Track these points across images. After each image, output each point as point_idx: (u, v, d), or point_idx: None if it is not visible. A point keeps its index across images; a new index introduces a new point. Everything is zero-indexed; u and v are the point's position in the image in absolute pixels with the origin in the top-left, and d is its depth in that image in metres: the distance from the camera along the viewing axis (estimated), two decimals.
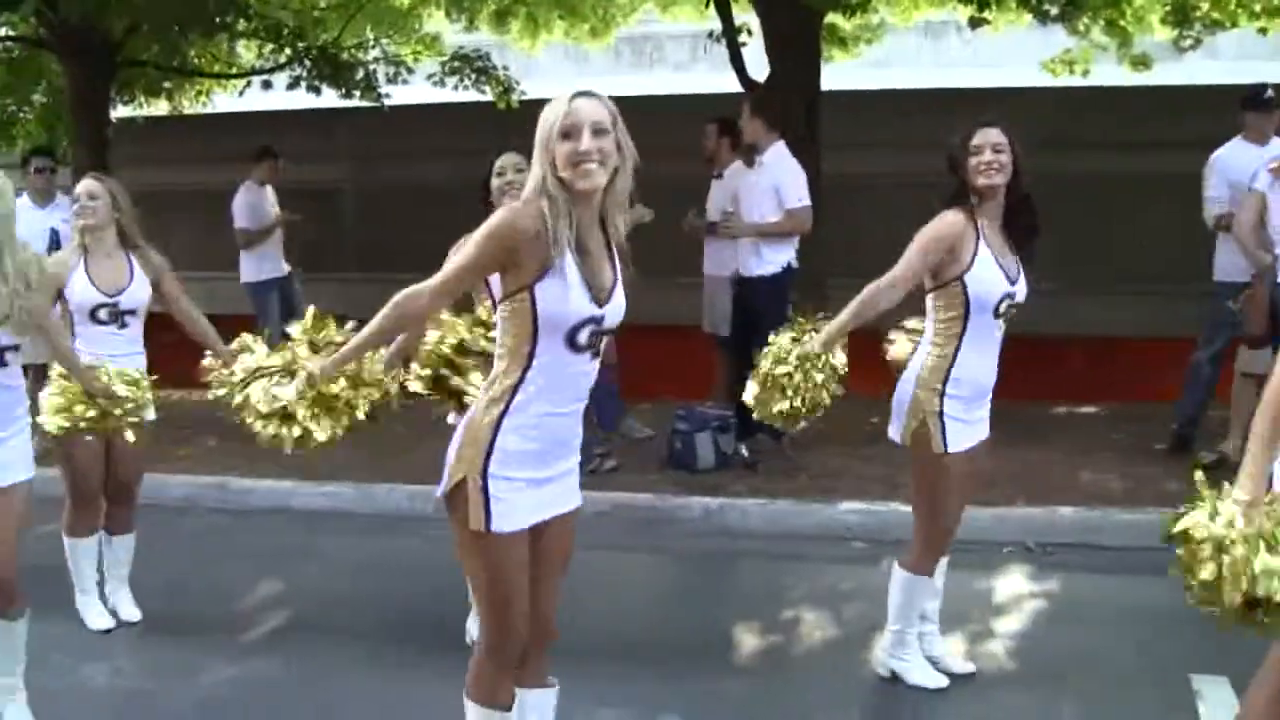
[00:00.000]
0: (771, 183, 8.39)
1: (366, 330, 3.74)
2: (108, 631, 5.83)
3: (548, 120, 3.38)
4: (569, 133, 3.35)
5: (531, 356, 3.42)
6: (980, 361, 4.80)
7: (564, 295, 3.36)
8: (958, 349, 4.77)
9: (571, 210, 3.38)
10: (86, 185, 5.80)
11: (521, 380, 3.45)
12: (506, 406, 3.45)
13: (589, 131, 3.35)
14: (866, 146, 10.82)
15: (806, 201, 8.39)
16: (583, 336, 3.43)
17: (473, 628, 5.30)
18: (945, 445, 4.79)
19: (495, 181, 5.18)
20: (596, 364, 3.53)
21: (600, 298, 3.44)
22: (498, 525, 3.46)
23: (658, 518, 7.53)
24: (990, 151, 4.61)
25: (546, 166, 3.38)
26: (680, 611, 6.26)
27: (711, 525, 7.46)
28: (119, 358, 5.59)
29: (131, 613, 6.02)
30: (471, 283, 3.83)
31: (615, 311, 3.49)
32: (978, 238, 4.70)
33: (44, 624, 5.48)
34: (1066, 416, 9.75)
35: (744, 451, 8.45)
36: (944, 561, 5.13)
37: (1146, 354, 10.06)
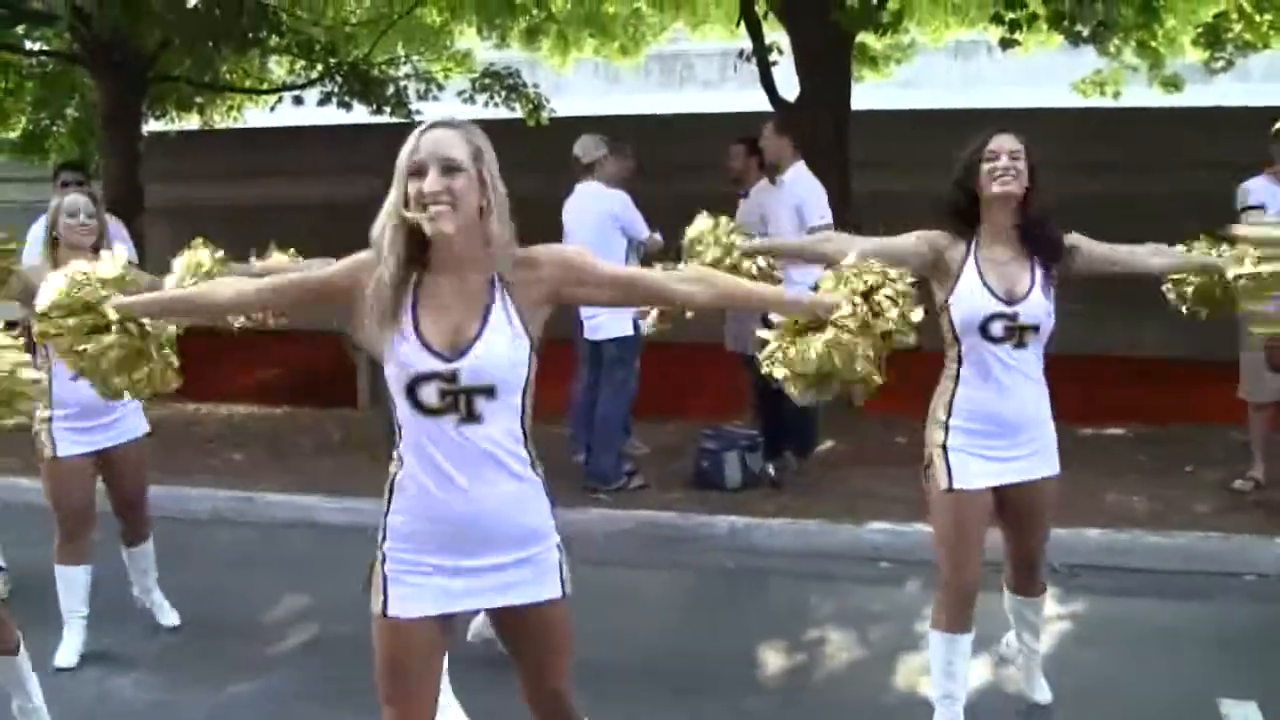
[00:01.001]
0: (793, 201, 8.36)
1: (169, 294, 3.71)
2: (66, 670, 5.53)
3: (400, 154, 3.08)
4: (417, 170, 3.04)
5: (397, 421, 3.17)
6: (986, 390, 4.38)
7: (395, 350, 3.08)
8: (957, 378, 4.42)
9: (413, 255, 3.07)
10: (80, 203, 5.52)
11: (398, 450, 3.20)
12: (392, 481, 3.22)
13: (437, 169, 3.02)
14: (896, 166, 10.81)
15: (829, 219, 8.36)
16: (428, 395, 3.07)
17: (481, 628, 5.33)
18: (950, 481, 4.40)
19: None
20: (483, 430, 3.09)
21: (447, 351, 3.07)
22: (393, 610, 3.19)
23: (684, 536, 7.52)
24: (1006, 158, 4.27)
25: (395, 205, 3.06)
26: (705, 630, 6.23)
27: (738, 544, 7.44)
28: None
29: (169, 618, 6.06)
30: (296, 301, 3.43)
31: (476, 368, 3.06)
32: (966, 256, 4.38)
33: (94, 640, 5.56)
34: (1093, 438, 9.69)
35: (771, 470, 8.43)
36: (1038, 601, 4.85)
37: (1174, 376, 10.01)
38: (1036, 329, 4.34)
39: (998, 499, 4.47)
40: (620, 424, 8.59)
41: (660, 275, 3.48)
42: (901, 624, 6.03)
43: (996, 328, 4.32)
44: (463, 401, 3.07)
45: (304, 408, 11.54)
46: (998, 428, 4.40)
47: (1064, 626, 6.05)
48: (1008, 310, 4.31)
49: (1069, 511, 7.37)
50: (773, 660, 5.73)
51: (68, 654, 5.62)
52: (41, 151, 13.96)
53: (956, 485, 4.41)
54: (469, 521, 3.13)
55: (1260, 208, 7.44)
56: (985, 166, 4.30)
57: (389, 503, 3.22)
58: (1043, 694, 5.03)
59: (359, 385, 12.42)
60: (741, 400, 9.72)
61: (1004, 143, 4.31)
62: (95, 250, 5.15)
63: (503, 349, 3.09)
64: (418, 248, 3.07)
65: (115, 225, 7.37)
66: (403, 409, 3.12)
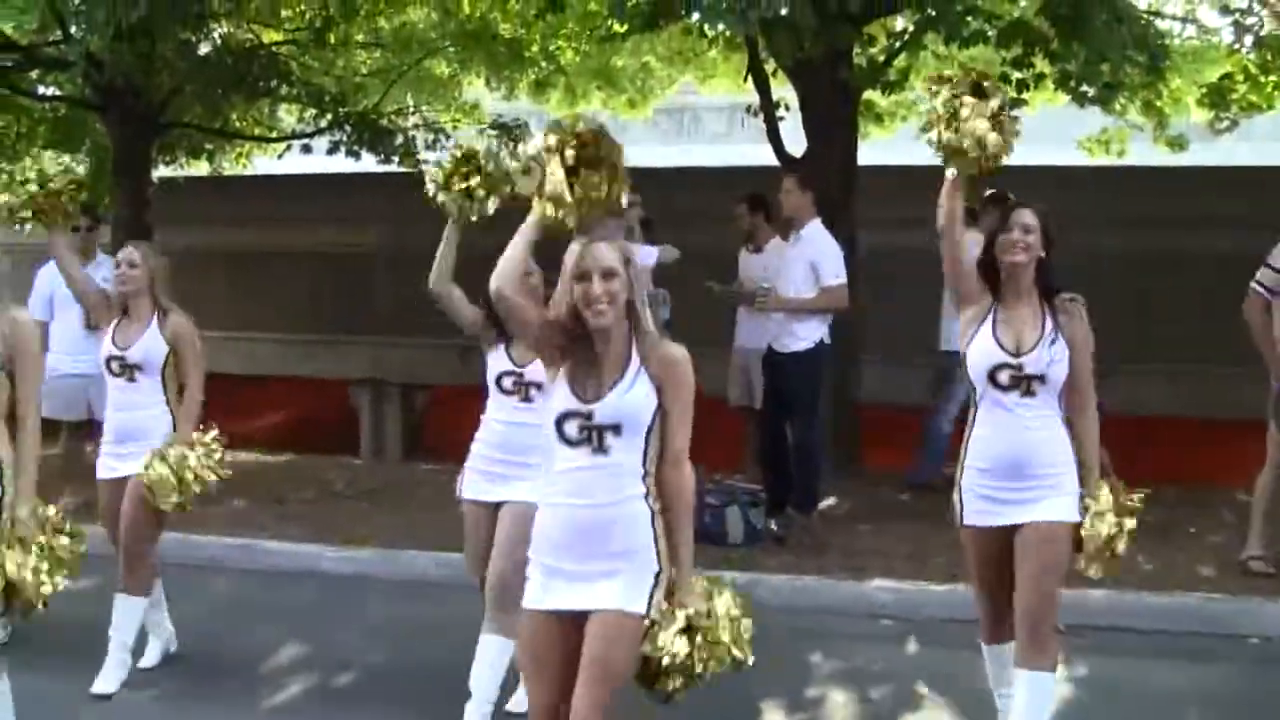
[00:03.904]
0: (808, 258, 8.38)
1: None
2: (104, 697, 5.72)
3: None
4: (582, 275, 3.79)
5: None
6: (996, 434, 4.74)
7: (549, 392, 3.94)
8: (974, 421, 4.83)
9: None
10: (127, 253, 6.01)
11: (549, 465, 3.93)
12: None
13: (599, 276, 3.77)
14: (902, 222, 10.82)
15: (843, 279, 8.37)
16: (570, 429, 3.81)
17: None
18: (961, 518, 4.84)
19: None
20: (607, 461, 3.80)
21: (587, 396, 3.81)
22: (525, 601, 3.90)
23: None
24: (1019, 231, 4.72)
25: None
26: (707, 688, 6.19)
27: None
28: (132, 412, 5.87)
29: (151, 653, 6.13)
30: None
31: (609, 409, 3.79)
32: (988, 311, 4.81)
33: (79, 682, 5.54)
34: None
35: (774, 526, 8.40)
36: (1033, 677, 4.78)
37: (1180, 435, 9.98)
38: (1043, 379, 4.68)
39: (1010, 539, 4.73)
40: None
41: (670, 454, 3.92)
42: (903, 682, 5.99)
43: (1004, 376, 4.71)
44: (596, 436, 3.84)
45: (306, 455, 11.53)
46: (1005, 470, 4.72)
47: (1068, 687, 6.00)
48: (1013, 361, 4.69)
49: (1073, 572, 7.36)
50: (774, 717, 5.70)
51: (106, 683, 5.80)
52: None
53: (966, 521, 4.83)
54: (594, 530, 3.86)
55: None
56: (1000, 237, 4.76)
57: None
58: None
59: (361, 434, 12.43)
60: (744, 454, 9.72)
61: (1019, 217, 4.75)
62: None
63: (624, 395, 3.82)
64: None
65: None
66: (549, 436, 3.93)
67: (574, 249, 3.80)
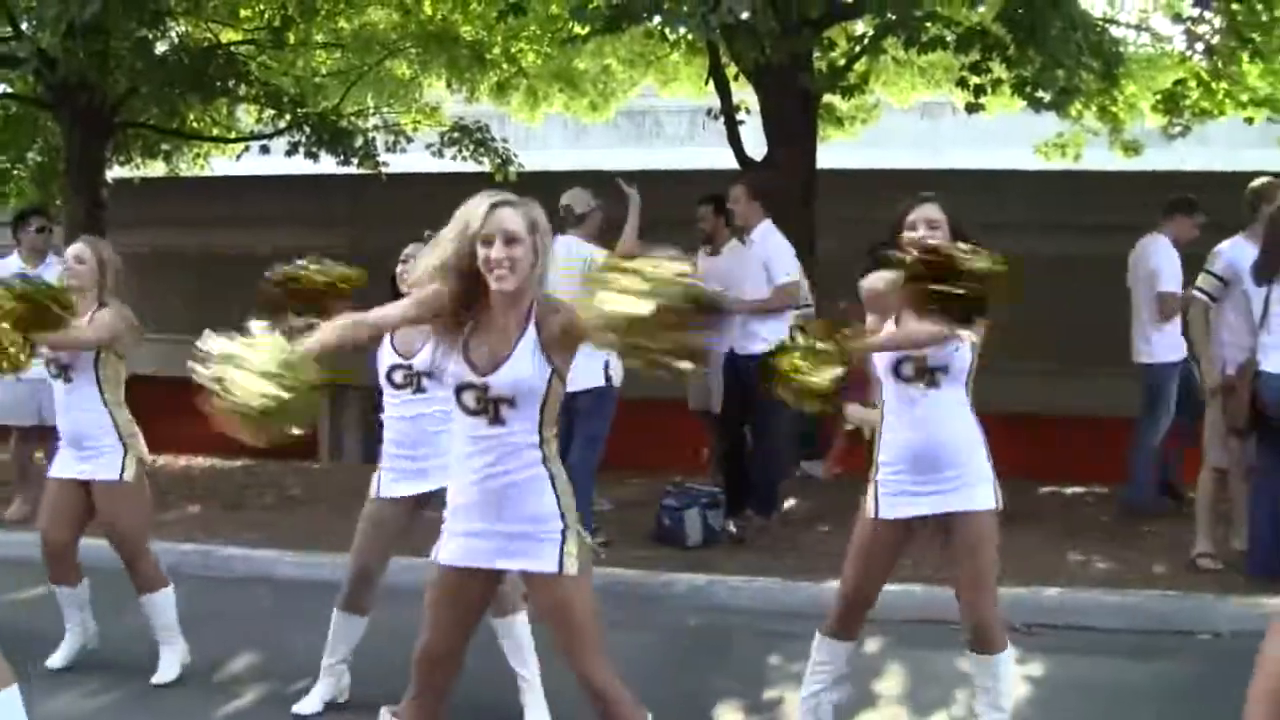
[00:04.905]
0: (762, 259, 8.45)
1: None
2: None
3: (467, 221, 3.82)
4: (486, 239, 3.78)
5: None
6: (901, 426, 4.70)
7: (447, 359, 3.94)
8: (882, 415, 4.77)
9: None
10: (75, 248, 5.93)
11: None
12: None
13: (502, 240, 3.77)
14: (862, 225, 10.87)
15: (795, 276, 8.46)
16: (468, 400, 3.87)
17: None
18: (876, 510, 4.74)
19: (399, 267, 5.46)
20: (504, 431, 3.87)
21: (481, 368, 3.87)
22: (441, 557, 4.04)
23: (645, 594, 7.49)
24: (924, 227, 4.61)
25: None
26: (666, 688, 6.17)
27: (699, 602, 7.41)
28: (71, 414, 5.81)
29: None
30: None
31: (503, 382, 3.84)
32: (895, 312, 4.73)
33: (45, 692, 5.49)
34: (1053, 497, 9.75)
35: (732, 528, 8.42)
36: (986, 662, 4.80)
37: (1133, 436, 10.05)
38: (946, 369, 4.63)
39: (916, 530, 4.77)
40: (590, 475, 8.53)
41: None
42: (861, 683, 6.00)
43: (907, 369, 4.66)
44: (494, 408, 3.88)
45: (263, 461, 11.45)
46: (915, 462, 4.67)
47: (1023, 686, 6.03)
48: (915, 353, 4.63)
49: (1028, 570, 7.42)
50: (731, 718, 5.71)
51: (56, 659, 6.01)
52: (2, 195, 13.85)
53: (881, 515, 4.73)
54: (502, 496, 3.94)
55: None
56: (905, 235, 4.62)
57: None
58: None
59: (320, 439, 12.37)
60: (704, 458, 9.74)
61: (923, 213, 4.66)
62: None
63: (515, 368, 3.85)
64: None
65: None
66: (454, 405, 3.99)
67: (479, 210, 3.81)
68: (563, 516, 3.95)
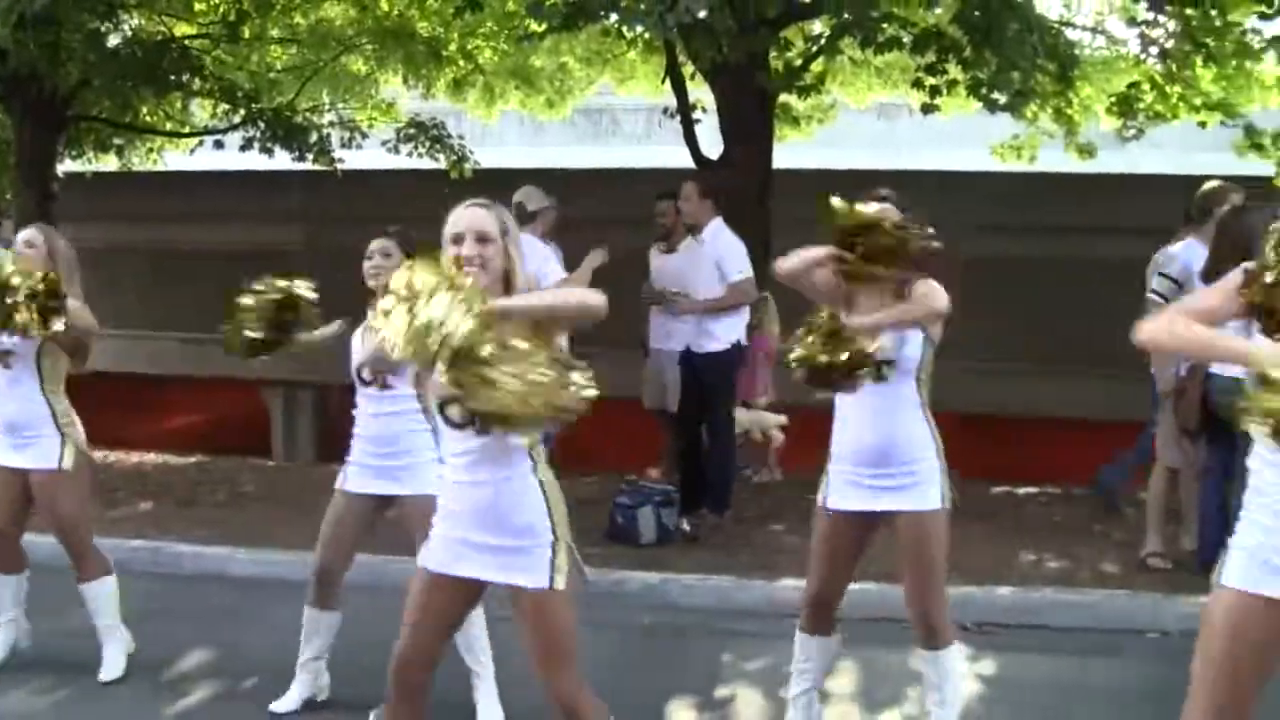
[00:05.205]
0: (713, 258, 8.46)
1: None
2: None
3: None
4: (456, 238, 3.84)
5: None
6: (850, 420, 4.71)
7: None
8: (834, 407, 4.77)
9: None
10: (26, 233, 5.84)
11: None
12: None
13: (472, 238, 3.82)
14: (818, 225, 10.91)
15: (748, 273, 8.46)
16: (453, 414, 3.81)
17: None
18: (825, 501, 4.80)
19: (365, 264, 5.37)
20: (491, 441, 3.79)
21: None
22: (428, 563, 4.00)
23: (598, 592, 7.45)
24: None
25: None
26: (619, 687, 6.16)
27: (653, 600, 7.41)
28: (10, 402, 5.70)
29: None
30: None
31: None
32: (850, 299, 4.72)
33: None
34: (1005, 497, 9.80)
35: (686, 526, 8.42)
36: (934, 657, 4.87)
37: (1084, 436, 10.13)
38: (892, 363, 4.60)
39: (869, 526, 4.78)
40: None
41: None
42: None
43: None
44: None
45: (216, 457, 11.38)
46: (859, 454, 4.69)
47: (976, 685, 6.07)
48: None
49: (980, 569, 7.46)
50: (685, 717, 5.73)
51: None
52: None
53: (829, 506, 4.78)
54: (485, 504, 3.92)
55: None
56: None
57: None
58: None
59: (273, 435, 12.30)
60: (658, 454, 9.73)
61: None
62: None
63: None
64: None
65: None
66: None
67: (453, 212, 3.90)
68: (553, 528, 3.92)
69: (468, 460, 3.87)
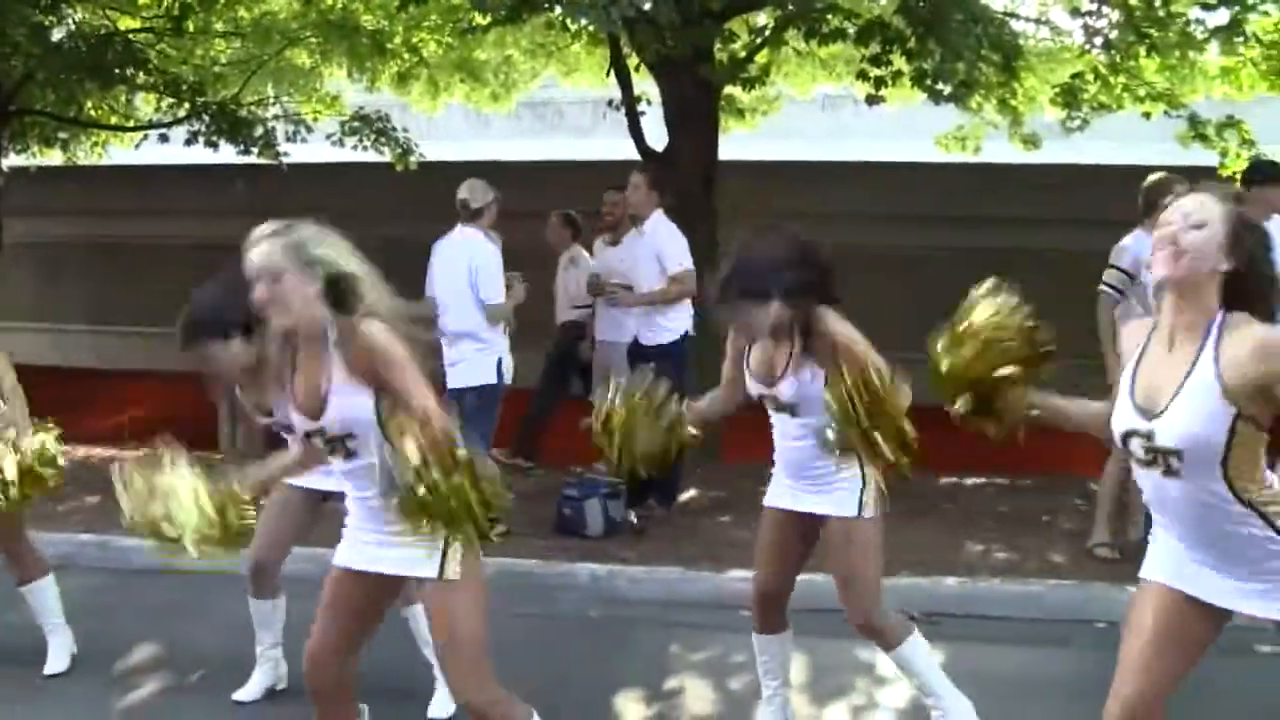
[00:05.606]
0: (653, 250, 8.46)
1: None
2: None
3: None
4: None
5: None
6: (778, 435, 4.87)
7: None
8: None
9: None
10: None
11: None
12: None
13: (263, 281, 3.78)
14: (763, 217, 10.91)
15: (688, 265, 8.46)
16: (319, 443, 3.92)
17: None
18: (768, 497, 4.97)
19: None
20: (348, 465, 3.91)
21: (312, 412, 3.87)
22: (338, 560, 4.06)
23: (545, 584, 7.48)
24: None
25: None
26: (566, 679, 6.21)
27: (600, 592, 7.43)
28: None
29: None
30: None
31: (332, 423, 3.84)
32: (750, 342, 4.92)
33: None
34: (952, 488, 9.86)
35: (633, 518, 8.44)
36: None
37: (1029, 426, 10.20)
38: (797, 407, 4.74)
39: (800, 525, 4.86)
40: None
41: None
42: (753, 673, 6.05)
43: (767, 401, 4.83)
44: (329, 444, 3.96)
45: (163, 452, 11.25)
46: (788, 468, 4.86)
47: None
48: (768, 391, 4.79)
49: (927, 560, 7.52)
50: (632, 709, 5.75)
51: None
52: None
53: (765, 502, 4.96)
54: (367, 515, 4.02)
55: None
56: None
57: None
58: None
59: (220, 430, 12.21)
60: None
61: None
62: None
63: (342, 405, 3.83)
64: None
65: None
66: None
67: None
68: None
69: (347, 479, 3.97)
